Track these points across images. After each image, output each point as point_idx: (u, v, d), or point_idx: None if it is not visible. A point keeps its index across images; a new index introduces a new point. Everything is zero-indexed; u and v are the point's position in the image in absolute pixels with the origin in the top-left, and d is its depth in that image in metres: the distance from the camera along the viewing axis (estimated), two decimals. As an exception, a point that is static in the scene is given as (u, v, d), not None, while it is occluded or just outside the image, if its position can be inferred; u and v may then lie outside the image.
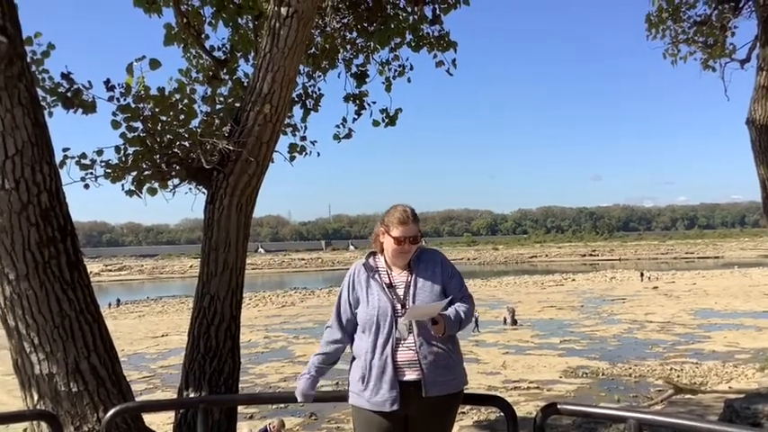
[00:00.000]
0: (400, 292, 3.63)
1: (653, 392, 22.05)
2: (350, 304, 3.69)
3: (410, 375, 3.51)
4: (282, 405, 21.19)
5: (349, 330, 3.73)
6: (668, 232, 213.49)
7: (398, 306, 3.58)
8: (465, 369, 3.75)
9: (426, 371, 3.50)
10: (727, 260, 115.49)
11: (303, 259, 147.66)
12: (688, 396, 18.63)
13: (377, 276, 3.69)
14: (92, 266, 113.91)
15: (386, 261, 3.76)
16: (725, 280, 68.89)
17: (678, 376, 24.41)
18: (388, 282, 3.67)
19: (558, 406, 3.53)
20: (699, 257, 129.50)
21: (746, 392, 10.04)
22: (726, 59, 12.42)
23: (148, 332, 42.75)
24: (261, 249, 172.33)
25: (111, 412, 4.02)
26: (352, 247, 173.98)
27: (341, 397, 3.82)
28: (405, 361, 3.52)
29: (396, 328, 3.54)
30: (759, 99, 11.53)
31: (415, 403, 3.52)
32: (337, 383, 16.19)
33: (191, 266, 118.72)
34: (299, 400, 3.74)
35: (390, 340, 3.53)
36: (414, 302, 3.58)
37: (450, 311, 3.59)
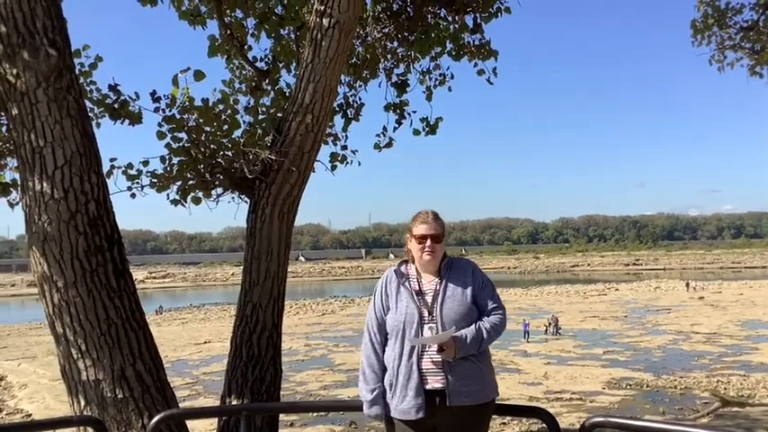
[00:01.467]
0: (429, 299, 3.63)
1: (699, 405, 21.56)
2: (383, 311, 3.71)
3: (435, 383, 3.50)
4: (323, 413, 21.26)
5: (384, 339, 3.73)
6: (714, 241, 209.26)
7: (426, 313, 3.58)
8: (495, 380, 3.72)
9: (451, 380, 3.48)
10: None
11: (343, 267, 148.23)
12: (735, 409, 18.19)
13: (407, 283, 3.70)
14: (137, 274, 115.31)
15: (417, 269, 3.77)
16: (773, 290, 67.19)
17: (725, 388, 23.86)
18: (417, 288, 3.68)
19: (602, 418, 3.47)
20: (746, 267, 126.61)
21: (797, 406, 9.77)
22: (773, 66, 12.16)
23: (191, 339, 43.26)
24: (301, 257, 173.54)
25: (156, 419, 4.06)
26: (392, 256, 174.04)
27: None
28: (430, 368, 3.51)
29: (422, 333, 3.53)
30: (808, 105, 11.25)
31: (441, 413, 3.50)
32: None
33: (232, 274, 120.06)
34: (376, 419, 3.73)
35: (416, 347, 3.53)
36: (442, 310, 3.57)
37: (469, 332, 3.53)
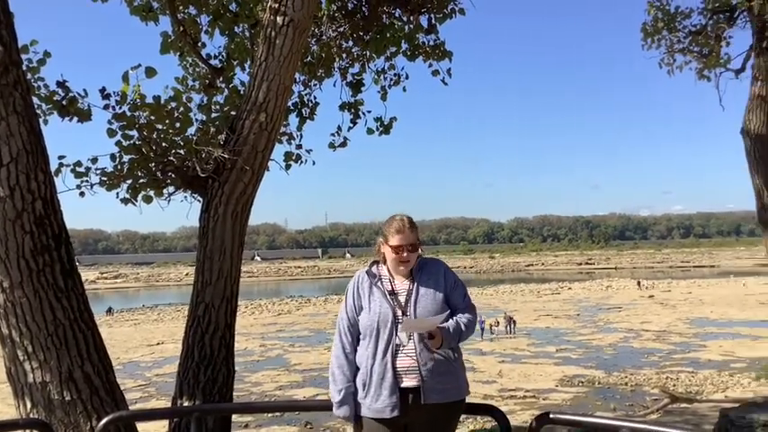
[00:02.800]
0: (402, 299, 3.65)
1: (649, 401, 22.05)
2: (355, 312, 3.70)
3: (409, 382, 3.52)
4: (278, 414, 21.15)
5: (356, 339, 3.72)
6: (664, 241, 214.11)
7: (399, 313, 3.59)
8: (467, 378, 3.75)
9: (426, 377, 3.50)
10: (722, 269, 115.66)
11: (299, 267, 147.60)
12: (684, 405, 18.64)
13: (379, 283, 3.71)
14: (88, 274, 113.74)
15: (388, 270, 3.77)
16: (721, 289, 68.97)
17: (674, 385, 24.43)
18: (390, 289, 3.69)
19: (552, 415, 3.52)
20: (694, 266, 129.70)
21: (742, 402, 10.04)
22: (721, 69, 12.46)
23: (144, 340, 42.66)
24: (257, 257, 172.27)
25: (103, 421, 3.99)
26: (348, 255, 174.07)
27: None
28: (404, 367, 3.52)
29: (396, 334, 3.55)
30: (753, 109, 11.58)
31: (414, 410, 3.52)
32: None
33: (187, 274, 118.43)
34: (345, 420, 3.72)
35: (390, 346, 3.54)
36: (416, 310, 3.59)
37: (450, 324, 3.59)
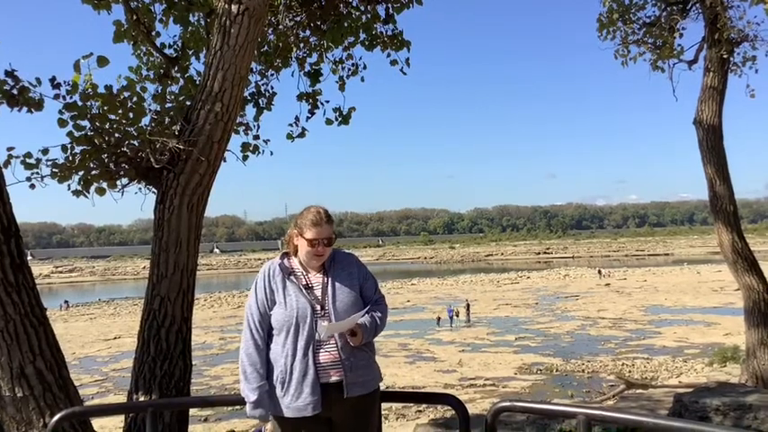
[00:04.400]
0: (318, 293, 3.59)
1: (605, 388, 22.46)
2: (267, 306, 3.59)
3: (333, 377, 3.48)
4: (238, 407, 21.02)
5: (267, 335, 3.61)
6: (620, 230, 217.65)
7: (318, 307, 3.53)
8: (379, 368, 3.74)
9: (348, 372, 3.49)
10: (676, 257, 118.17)
11: (259, 259, 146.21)
12: (639, 391, 19.00)
13: (293, 278, 3.62)
14: (42, 268, 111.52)
15: (300, 263, 3.69)
16: (675, 277, 70.51)
17: (630, 371, 24.92)
18: (305, 283, 3.62)
19: (509, 403, 3.55)
20: (649, 255, 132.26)
21: (695, 386, 10.26)
22: (674, 60, 12.69)
23: (100, 335, 42.02)
24: (216, 250, 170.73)
25: (56, 417, 3.92)
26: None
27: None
28: (327, 363, 3.48)
29: (316, 330, 3.48)
30: (706, 99, 11.82)
31: (337, 405, 3.49)
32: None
33: (144, 268, 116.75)
34: (261, 420, 3.59)
35: (312, 342, 3.47)
36: (334, 304, 3.54)
37: (366, 319, 3.58)
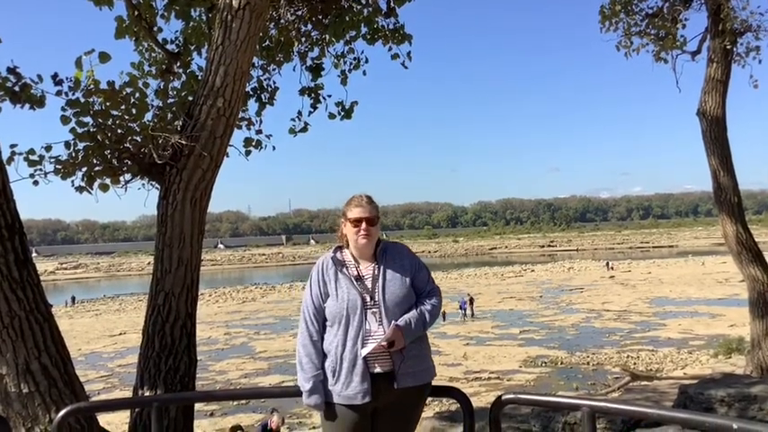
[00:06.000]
0: (368, 284, 3.63)
1: (610, 380, 22.47)
2: (321, 298, 3.66)
3: (381, 367, 3.52)
4: (243, 402, 21.08)
5: (322, 326, 3.68)
6: (624, 222, 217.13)
7: (368, 298, 3.58)
8: (433, 360, 3.77)
9: (397, 362, 3.51)
10: (681, 249, 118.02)
11: (263, 254, 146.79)
12: (644, 383, 19.03)
13: (345, 270, 3.68)
14: (47, 265, 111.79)
15: (352, 255, 3.75)
16: (679, 268, 70.39)
17: (634, 364, 24.91)
18: (356, 274, 3.67)
19: (513, 396, 3.55)
20: (654, 247, 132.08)
21: (700, 378, 10.26)
22: (677, 51, 12.66)
23: (106, 330, 42.13)
24: (220, 245, 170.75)
25: (62, 413, 3.93)
26: (312, 242, 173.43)
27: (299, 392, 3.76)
28: (375, 353, 3.51)
29: (366, 319, 3.53)
30: (709, 91, 11.78)
31: (385, 395, 3.52)
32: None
33: (148, 263, 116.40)
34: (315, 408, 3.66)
35: (361, 333, 3.52)
36: (384, 295, 3.58)
37: (412, 316, 3.58)
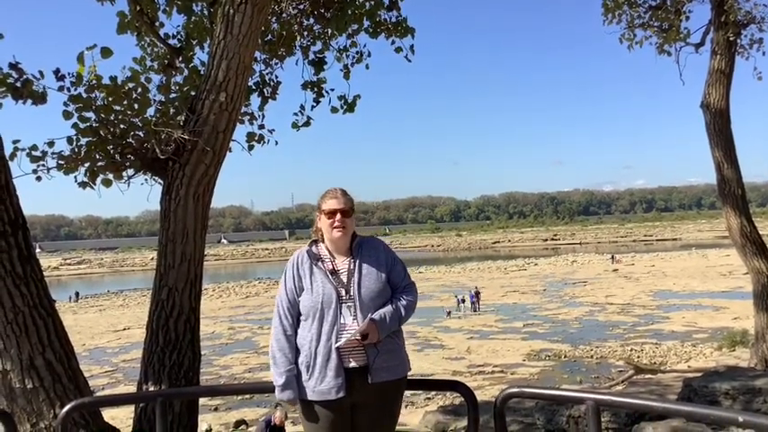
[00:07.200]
0: (344, 278, 3.61)
1: (614, 373, 22.46)
2: (295, 292, 3.64)
3: (355, 362, 3.50)
4: (247, 396, 21.14)
5: (296, 321, 3.66)
6: (627, 216, 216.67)
7: (343, 292, 3.56)
8: (407, 355, 3.75)
9: (371, 357, 3.49)
10: (684, 242, 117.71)
11: (267, 249, 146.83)
12: (648, 376, 19.02)
13: (320, 264, 3.66)
14: (50, 260, 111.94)
15: (328, 249, 3.73)
16: (683, 261, 70.26)
17: (638, 357, 24.90)
18: (331, 268, 3.65)
19: (517, 390, 3.55)
20: (657, 240, 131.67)
21: (704, 371, 10.25)
22: (680, 44, 12.61)
23: (110, 326, 42.18)
24: (224, 240, 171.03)
25: (66, 408, 3.93)
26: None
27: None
28: (349, 347, 3.49)
29: (341, 313, 3.51)
30: (713, 83, 11.73)
31: (360, 390, 3.50)
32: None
33: (152, 259, 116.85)
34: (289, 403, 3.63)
35: (335, 327, 3.50)
36: (359, 290, 3.56)
37: (387, 311, 3.56)
